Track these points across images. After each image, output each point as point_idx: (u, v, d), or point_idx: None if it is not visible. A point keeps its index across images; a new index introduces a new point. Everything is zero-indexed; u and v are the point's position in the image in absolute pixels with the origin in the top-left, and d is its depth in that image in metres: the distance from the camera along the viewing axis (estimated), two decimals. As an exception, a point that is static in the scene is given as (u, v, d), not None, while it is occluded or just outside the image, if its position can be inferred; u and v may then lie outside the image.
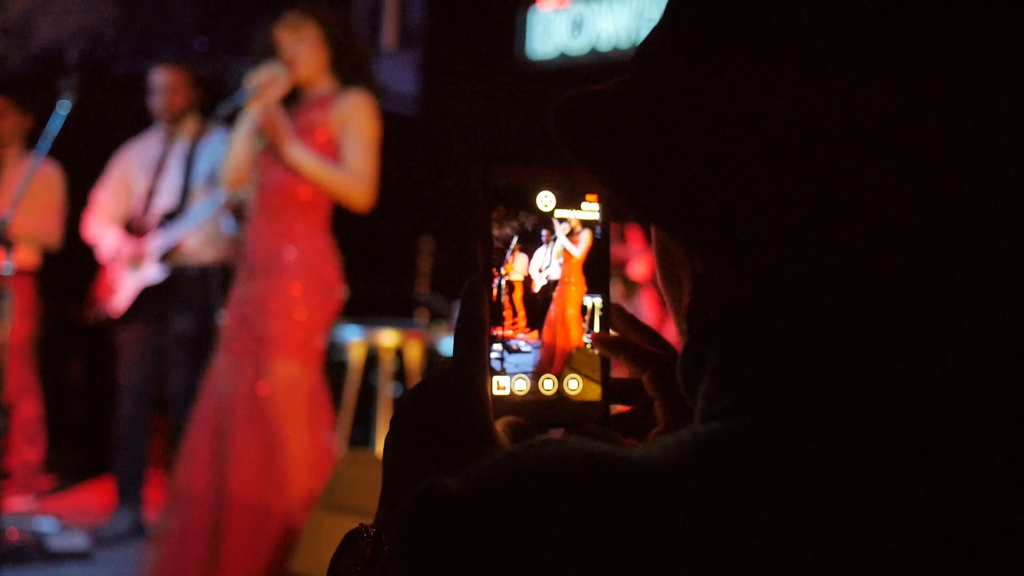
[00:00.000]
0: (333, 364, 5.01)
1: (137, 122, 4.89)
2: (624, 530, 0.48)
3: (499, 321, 0.83)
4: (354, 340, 4.70)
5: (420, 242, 5.46)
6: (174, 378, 4.61)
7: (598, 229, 0.86)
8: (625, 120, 0.61)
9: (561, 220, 0.85)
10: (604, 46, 5.79)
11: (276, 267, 3.56)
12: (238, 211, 4.09)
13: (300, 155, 3.49)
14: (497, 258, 0.84)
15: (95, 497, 5.23)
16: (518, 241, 0.84)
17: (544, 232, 0.85)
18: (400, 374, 4.85)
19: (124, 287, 4.53)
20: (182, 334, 4.56)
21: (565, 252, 0.85)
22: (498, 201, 0.83)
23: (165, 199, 4.58)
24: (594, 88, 0.66)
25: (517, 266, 0.84)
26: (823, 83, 0.53)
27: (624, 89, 0.63)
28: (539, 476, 0.51)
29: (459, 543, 0.50)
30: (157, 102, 4.66)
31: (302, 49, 3.60)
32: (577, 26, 5.87)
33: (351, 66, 3.67)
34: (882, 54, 0.52)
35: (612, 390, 0.85)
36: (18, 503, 4.84)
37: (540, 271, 0.85)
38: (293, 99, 3.67)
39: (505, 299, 0.84)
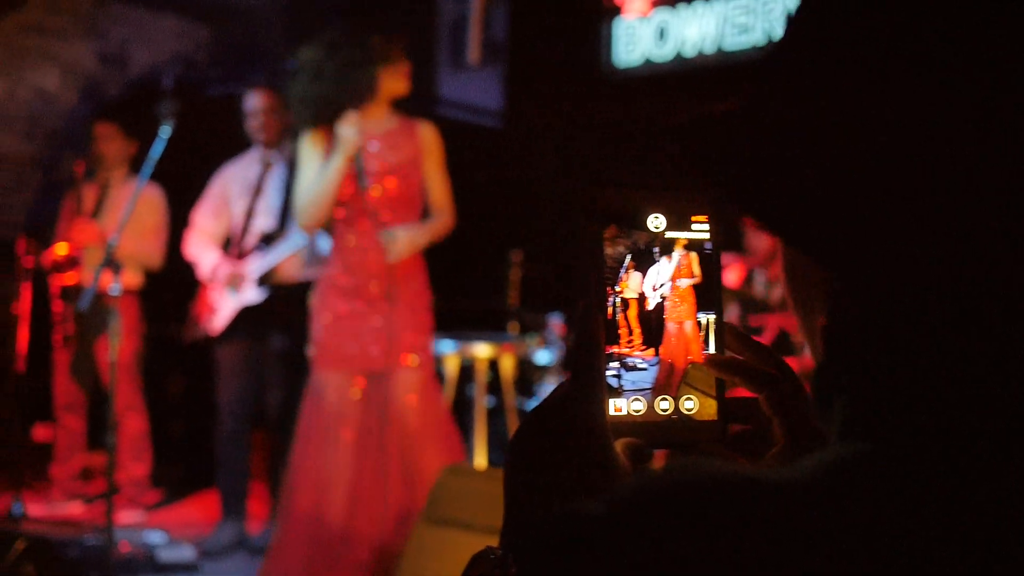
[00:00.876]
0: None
1: (230, 144, 5.00)
2: (774, 554, 0.48)
3: (615, 339, 0.84)
4: (448, 353, 4.74)
5: (509, 254, 5.48)
6: (272, 395, 4.70)
7: (708, 248, 0.86)
8: (751, 139, 0.61)
9: (673, 240, 0.85)
10: (689, 52, 5.76)
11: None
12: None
13: (406, 243, 3.60)
14: (611, 277, 0.84)
15: (200, 510, 5.35)
16: (631, 259, 0.85)
17: (657, 250, 0.85)
18: (494, 386, 4.88)
19: (223, 307, 4.63)
20: (279, 352, 4.65)
21: (678, 270, 0.86)
22: (609, 221, 0.84)
23: (263, 221, 4.66)
24: (716, 108, 0.66)
25: (631, 284, 0.85)
26: (954, 97, 0.52)
27: (748, 109, 0.63)
28: (684, 499, 0.51)
29: (603, 566, 0.51)
30: (253, 125, 4.73)
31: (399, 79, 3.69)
32: (662, 33, 5.85)
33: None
34: (1015, 69, 0.52)
35: (728, 409, 0.84)
36: (127, 517, 4.98)
37: (654, 289, 0.86)
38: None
39: (620, 317, 0.85)
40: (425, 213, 3.77)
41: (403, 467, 3.56)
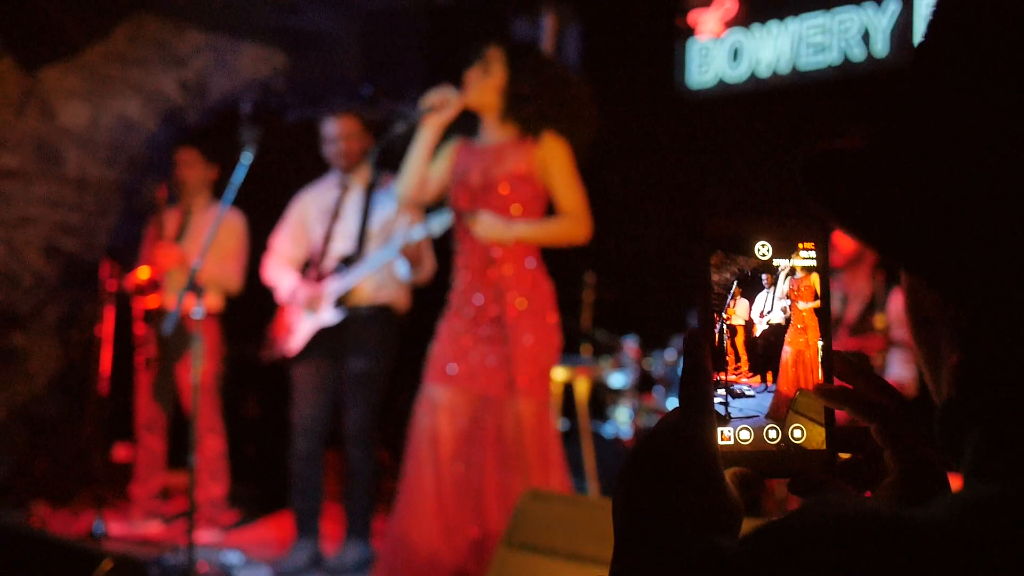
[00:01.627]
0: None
1: (308, 169, 5.07)
2: None
3: (722, 366, 0.83)
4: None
5: (583, 276, 5.47)
6: (350, 416, 4.73)
7: (816, 276, 0.85)
8: (879, 175, 0.60)
9: (781, 267, 0.84)
10: (764, 72, 5.71)
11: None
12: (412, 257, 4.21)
13: (520, 233, 3.60)
14: (717, 303, 0.84)
15: (275, 530, 5.40)
16: (738, 285, 0.84)
17: (764, 277, 0.84)
18: (568, 409, 4.86)
19: (300, 329, 4.69)
20: (357, 374, 4.68)
21: (786, 298, 0.85)
22: (715, 247, 0.84)
23: (342, 244, 4.71)
24: (842, 143, 0.65)
25: (738, 311, 0.84)
26: None
27: (874, 144, 0.62)
28: (824, 540, 0.50)
29: None
30: (332, 150, 4.78)
31: (487, 78, 3.68)
32: (736, 54, 5.82)
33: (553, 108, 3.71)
34: None
35: (837, 437, 0.83)
36: (204, 537, 5.05)
37: (761, 316, 0.85)
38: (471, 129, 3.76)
39: (727, 344, 0.84)
40: None
41: (502, 495, 3.54)
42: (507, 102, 3.69)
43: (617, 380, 5.04)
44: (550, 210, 3.80)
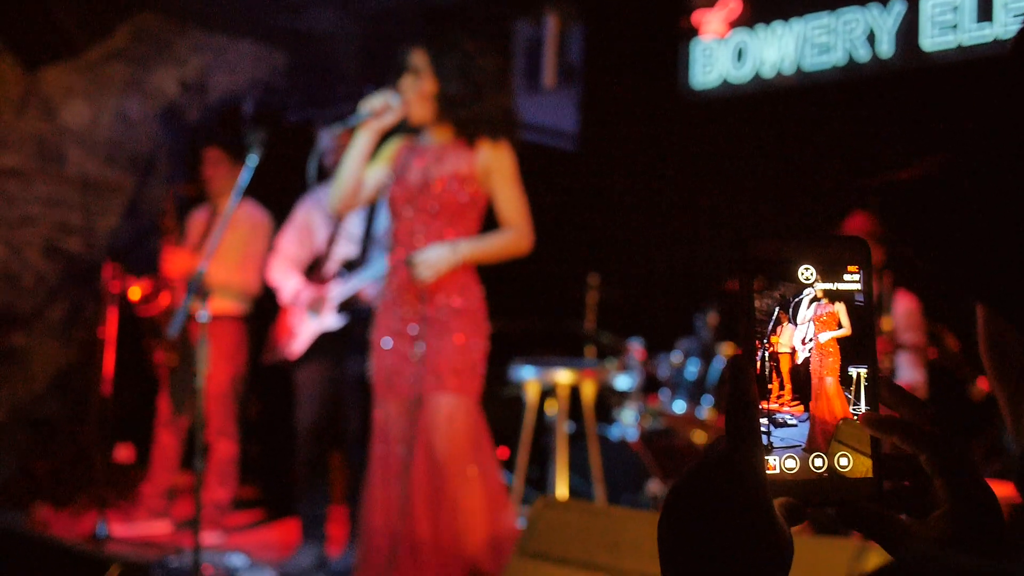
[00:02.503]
0: (509, 402, 5.05)
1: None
2: None
3: (765, 394, 0.82)
4: (529, 378, 4.72)
5: (586, 278, 5.46)
6: (351, 418, 4.72)
7: (860, 300, 0.83)
8: (955, 204, 0.59)
9: (824, 291, 0.83)
10: (768, 73, 5.70)
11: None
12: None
13: (465, 252, 3.57)
14: (760, 330, 0.82)
15: (280, 533, 5.39)
16: (780, 311, 0.83)
17: (807, 303, 0.83)
18: (574, 411, 4.85)
19: (303, 331, 4.67)
20: (358, 376, 4.67)
21: (829, 323, 0.83)
22: (757, 272, 0.82)
23: (345, 247, 4.70)
24: (912, 171, 0.64)
25: (782, 338, 0.83)
26: None
27: (949, 173, 0.61)
28: None
29: None
30: (331, 160, 4.73)
31: (418, 84, 3.64)
32: (740, 54, 5.80)
33: (488, 114, 3.66)
34: None
35: (884, 464, 0.82)
36: (209, 539, 5.03)
37: (804, 343, 0.83)
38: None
39: (770, 371, 0.82)
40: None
41: (432, 495, 3.53)
42: (439, 107, 3.64)
43: (623, 382, 5.03)
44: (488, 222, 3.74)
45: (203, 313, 3.68)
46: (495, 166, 3.65)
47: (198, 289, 3.67)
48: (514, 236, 3.66)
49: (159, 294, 5.29)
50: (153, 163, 6.67)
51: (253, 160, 3.78)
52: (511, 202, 3.67)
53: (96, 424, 5.30)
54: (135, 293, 5.27)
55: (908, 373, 4.21)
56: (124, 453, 6.26)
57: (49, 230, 6.35)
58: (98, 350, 5.15)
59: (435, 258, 3.53)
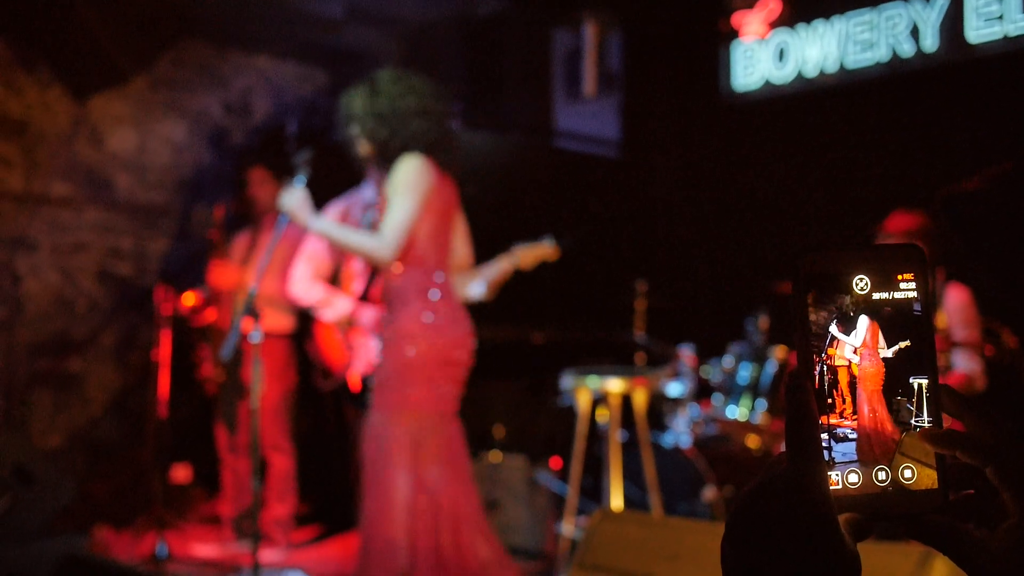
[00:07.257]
0: (561, 412, 5.04)
1: (352, 188, 5.06)
2: None
3: (824, 409, 0.80)
4: (580, 388, 4.70)
5: (634, 285, 5.43)
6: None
7: (918, 309, 0.82)
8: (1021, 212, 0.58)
9: (879, 301, 0.82)
10: (811, 72, 5.64)
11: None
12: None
13: (321, 227, 3.73)
14: (817, 344, 0.81)
15: (340, 550, 5.41)
16: (836, 324, 0.82)
17: (863, 315, 0.82)
18: (626, 419, 4.82)
19: (365, 353, 4.60)
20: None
21: (885, 334, 0.82)
22: (811, 286, 0.81)
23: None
24: (979, 179, 0.63)
25: (838, 351, 0.82)
26: None
27: (1015, 182, 0.60)
28: None
29: None
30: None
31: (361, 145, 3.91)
32: (781, 55, 5.76)
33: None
34: None
35: (949, 475, 0.80)
36: (270, 556, 5.07)
37: (861, 355, 0.82)
38: None
39: (829, 385, 0.81)
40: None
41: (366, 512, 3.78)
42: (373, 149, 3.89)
43: (674, 389, 4.99)
44: None
45: (255, 333, 3.71)
46: (391, 177, 3.79)
47: (250, 309, 3.70)
48: (373, 242, 3.73)
49: (206, 307, 5.34)
50: (200, 186, 6.76)
51: (301, 180, 3.81)
52: (389, 212, 3.76)
53: (153, 446, 5.35)
54: (189, 299, 5.31)
55: (964, 363, 4.13)
56: (182, 474, 6.32)
57: (101, 256, 6.45)
58: (152, 372, 5.21)
59: (296, 206, 3.71)
